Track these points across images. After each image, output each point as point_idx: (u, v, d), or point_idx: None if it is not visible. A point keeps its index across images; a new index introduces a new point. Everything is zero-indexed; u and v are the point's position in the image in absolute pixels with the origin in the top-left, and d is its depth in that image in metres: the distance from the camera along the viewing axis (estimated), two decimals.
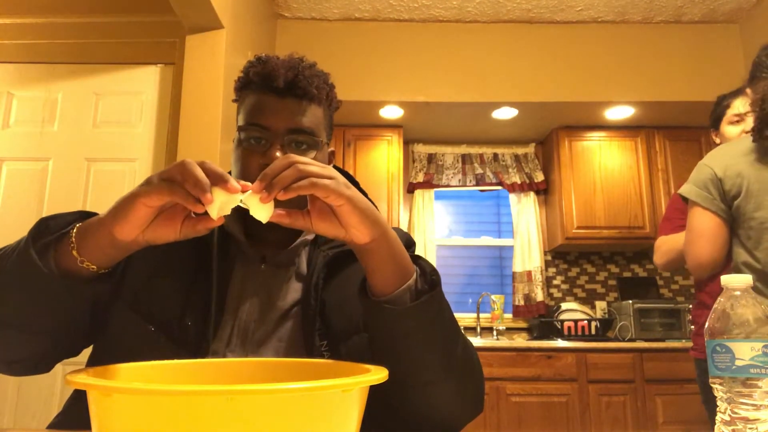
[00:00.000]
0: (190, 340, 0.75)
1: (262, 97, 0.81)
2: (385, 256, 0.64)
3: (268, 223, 0.80)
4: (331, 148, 0.93)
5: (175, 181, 0.56)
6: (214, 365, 0.60)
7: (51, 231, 0.66)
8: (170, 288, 0.78)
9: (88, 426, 0.41)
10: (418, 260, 0.70)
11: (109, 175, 2.61)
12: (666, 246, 1.93)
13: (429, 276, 0.68)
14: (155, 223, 0.61)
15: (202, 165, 0.57)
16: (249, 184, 0.60)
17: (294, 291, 0.82)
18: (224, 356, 0.77)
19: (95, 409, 0.39)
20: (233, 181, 0.57)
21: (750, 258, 1.38)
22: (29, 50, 2.76)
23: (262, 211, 0.60)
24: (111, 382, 0.38)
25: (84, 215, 0.68)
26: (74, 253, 0.62)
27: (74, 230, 0.64)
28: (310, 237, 0.86)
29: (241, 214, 0.80)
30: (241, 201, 0.59)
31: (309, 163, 0.59)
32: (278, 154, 0.77)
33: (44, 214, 2.60)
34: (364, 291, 0.69)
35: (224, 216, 0.83)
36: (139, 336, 0.74)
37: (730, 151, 1.44)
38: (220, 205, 0.58)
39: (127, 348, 0.71)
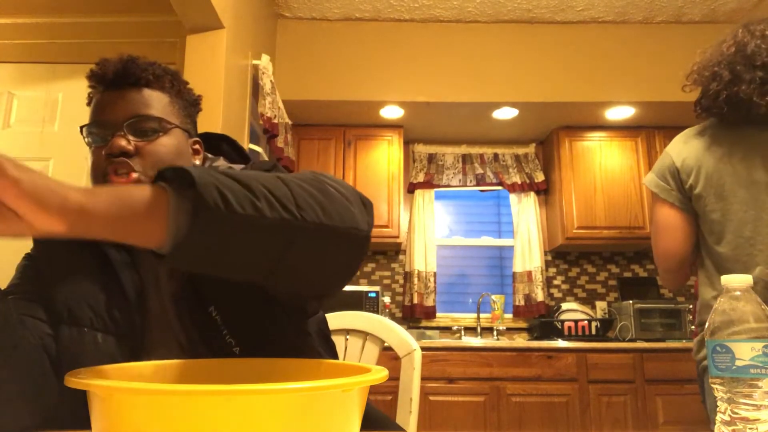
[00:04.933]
0: (124, 329, 0.77)
1: (98, 96, 0.81)
2: (109, 230, 0.48)
3: None
4: (194, 138, 0.89)
5: None
6: (214, 365, 0.60)
7: None
8: (87, 288, 0.79)
9: (89, 426, 0.41)
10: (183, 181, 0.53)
11: None
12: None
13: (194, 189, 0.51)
14: None
15: None
16: None
17: None
18: (163, 332, 0.79)
19: (95, 409, 0.39)
20: None
21: (712, 255, 1.28)
22: (29, 50, 2.76)
23: None
24: (111, 382, 0.38)
25: None
26: None
27: None
28: None
29: None
30: None
31: None
32: (122, 142, 0.75)
33: None
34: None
35: None
36: (78, 341, 0.76)
37: (690, 137, 1.33)
38: None
39: (73, 360, 0.74)
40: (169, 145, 0.81)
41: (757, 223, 1.21)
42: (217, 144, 0.99)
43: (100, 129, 0.79)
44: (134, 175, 0.76)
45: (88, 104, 0.85)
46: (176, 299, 0.80)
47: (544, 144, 3.79)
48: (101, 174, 0.77)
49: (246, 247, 0.54)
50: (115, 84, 0.81)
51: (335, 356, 0.95)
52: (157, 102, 0.82)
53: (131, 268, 0.81)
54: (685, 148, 1.33)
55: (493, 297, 3.48)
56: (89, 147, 0.81)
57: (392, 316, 3.55)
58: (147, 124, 0.79)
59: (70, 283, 0.80)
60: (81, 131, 0.81)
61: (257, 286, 0.66)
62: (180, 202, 0.51)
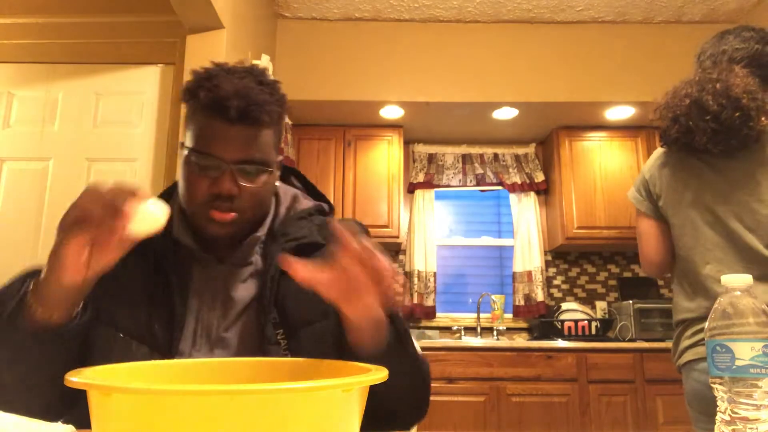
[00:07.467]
0: (160, 343, 0.80)
1: (212, 122, 0.80)
2: (365, 329, 0.69)
3: (218, 228, 0.82)
4: (280, 156, 0.92)
5: (88, 215, 0.62)
6: (214, 365, 0.60)
7: (5, 302, 0.69)
8: (134, 299, 0.82)
9: (89, 425, 0.41)
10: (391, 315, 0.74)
11: (110, 175, 2.61)
12: None
13: (397, 330, 0.76)
14: (93, 257, 0.64)
15: (110, 188, 0.63)
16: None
17: (253, 287, 0.86)
18: (190, 356, 0.81)
19: (95, 409, 0.39)
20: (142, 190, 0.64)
21: (678, 257, 1.42)
22: (29, 50, 2.76)
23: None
24: (111, 382, 0.38)
25: (29, 274, 0.72)
26: (40, 316, 0.67)
27: (29, 297, 0.67)
28: (261, 233, 0.88)
29: (188, 222, 0.85)
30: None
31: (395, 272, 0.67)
32: (230, 185, 0.79)
33: (44, 214, 2.61)
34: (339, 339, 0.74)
35: (169, 226, 0.84)
36: (111, 344, 0.79)
37: (659, 154, 1.47)
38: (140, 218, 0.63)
39: (101, 358, 0.76)
40: (269, 184, 0.85)
41: (703, 229, 1.34)
42: (285, 175, 1.03)
43: (210, 162, 0.80)
44: (233, 215, 0.81)
45: (186, 101, 0.83)
46: (237, 317, 0.85)
47: (544, 144, 3.79)
48: (200, 203, 0.81)
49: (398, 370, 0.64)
50: (230, 119, 0.79)
51: None
52: (265, 143, 0.83)
53: (185, 290, 0.84)
54: (654, 164, 1.47)
55: (493, 297, 3.48)
56: (187, 164, 0.81)
57: None
58: (255, 166, 0.81)
59: (117, 292, 0.82)
60: (185, 150, 0.82)
61: (338, 334, 0.77)
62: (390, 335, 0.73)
